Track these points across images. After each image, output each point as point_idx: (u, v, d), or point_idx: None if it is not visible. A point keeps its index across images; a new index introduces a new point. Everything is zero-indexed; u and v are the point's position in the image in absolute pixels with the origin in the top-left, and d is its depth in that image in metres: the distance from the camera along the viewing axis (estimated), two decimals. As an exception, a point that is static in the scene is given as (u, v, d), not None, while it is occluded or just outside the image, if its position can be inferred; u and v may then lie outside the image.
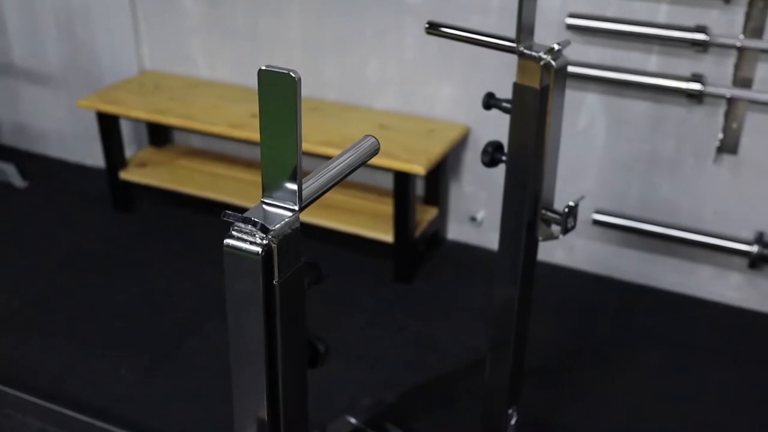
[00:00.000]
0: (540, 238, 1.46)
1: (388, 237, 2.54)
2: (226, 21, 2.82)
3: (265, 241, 0.80)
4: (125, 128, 2.99)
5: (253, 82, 2.86)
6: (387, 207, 2.63)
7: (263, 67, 0.80)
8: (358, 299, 2.52)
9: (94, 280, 2.62)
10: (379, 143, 0.97)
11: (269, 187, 0.85)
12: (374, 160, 2.38)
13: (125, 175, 2.91)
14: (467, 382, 2.15)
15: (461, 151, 2.66)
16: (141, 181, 2.89)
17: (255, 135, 2.57)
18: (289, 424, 0.93)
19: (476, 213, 2.71)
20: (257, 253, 0.80)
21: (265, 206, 0.85)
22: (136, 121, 2.99)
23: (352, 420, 1.98)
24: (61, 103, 3.22)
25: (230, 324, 0.87)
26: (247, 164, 2.96)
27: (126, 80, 2.96)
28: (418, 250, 2.66)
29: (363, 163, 0.94)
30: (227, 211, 0.81)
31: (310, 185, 0.87)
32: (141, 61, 3.03)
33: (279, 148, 0.83)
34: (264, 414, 0.91)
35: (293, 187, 0.84)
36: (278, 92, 0.80)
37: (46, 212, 3.01)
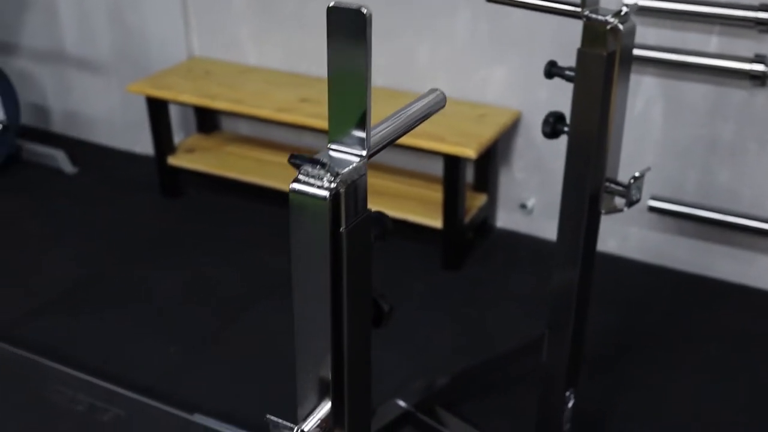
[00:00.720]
0: (603, 210, 1.41)
1: (437, 223, 2.50)
2: (274, 7, 2.81)
3: (332, 185, 0.77)
4: (174, 116, 2.99)
5: (302, 68, 2.85)
6: (436, 193, 2.59)
7: (332, 4, 0.77)
8: (407, 285, 2.48)
9: (142, 263, 2.62)
10: (445, 96, 0.93)
11: (336, 133, 0.82)
12: (424, 144, 2.38)
13: (173, 160, 2.91)
14: (519, 366, 2.09)
15: (512, 137, 2.61)
16: (189, 166, 2.89)
17: (303, 119, 2.56)
18: (353, 384, 0.90)
19: (527, 200, 2.66)
20: (324, 198, 0.77)
21: (331, 152, 0.82)
22: (184, 106, 3.00)
23: (402, 403, 1.94)
24: (111, 90, 3.24)
25: (294, 277, 0.85)
26: (295, 151, 2.93)
27: (175, 66, 2.97)
28: (467, 237, 2.61)
29: (430, 115, 0.91)
30: (294, 154, 0.78)
31: (378, 133, 0.84)
32: (190, 47, 3.03)
33: (347, 91, 0.80)
34: (327, 373, 0.88)
35: (361, 134, 0.81)
36: (347, 31, 0.77)
37: (95, 197, 3.02)
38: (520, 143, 2.61)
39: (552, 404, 1.60)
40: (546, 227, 2.64)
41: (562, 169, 1.41)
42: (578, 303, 1.50)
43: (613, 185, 1.39)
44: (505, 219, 2.75)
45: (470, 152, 2.33)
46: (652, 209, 2.39)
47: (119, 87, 3.18)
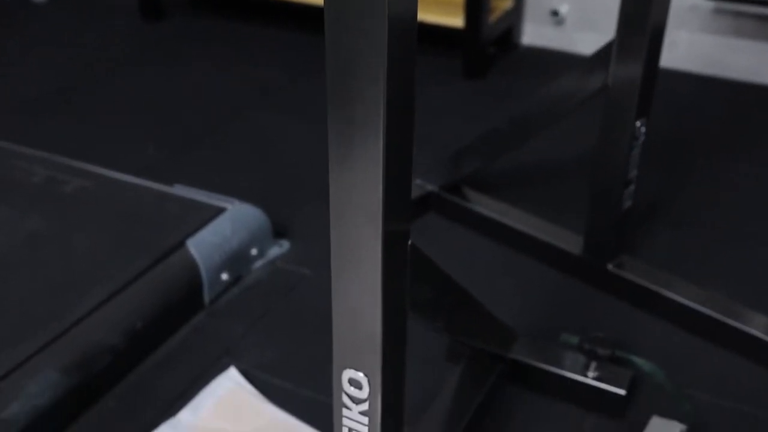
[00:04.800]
0: None
1: (457, 21, 2.17)
2: None
3: None
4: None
5: None
6: (455, -3, 2.26)
7: None
8: (425, 92, 2.14)
9: (122, 75, 2.30)
10: None
11: None
12: None
13: (154, -26, 2.56)
14: (552, 154, 1.81)
15: (544, -71, 2.27)
16: (172, -21, 2.55)
17: None
18: None
19: (558, 6, 2.32)
20: None
21: None
22: None
23: (425, 185, 1.63)
24: None
25: None
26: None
27: None
28: (489, 52, 2.28)
29: None
30: None
31: None
32: None
33: None
34: None
35: None
36: None
37: (69, 22, 2.68)
38: (552, -63, 2.27)
39: (619, 137, 1.28)
40: (579, 40, 2.31)
41: None
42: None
43: None
44: (532, 34, 2.41)
45: None
46: (710, -6, 2.06)
47: None
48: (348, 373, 0.80)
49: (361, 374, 0.79)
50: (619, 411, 1.16)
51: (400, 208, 0.71)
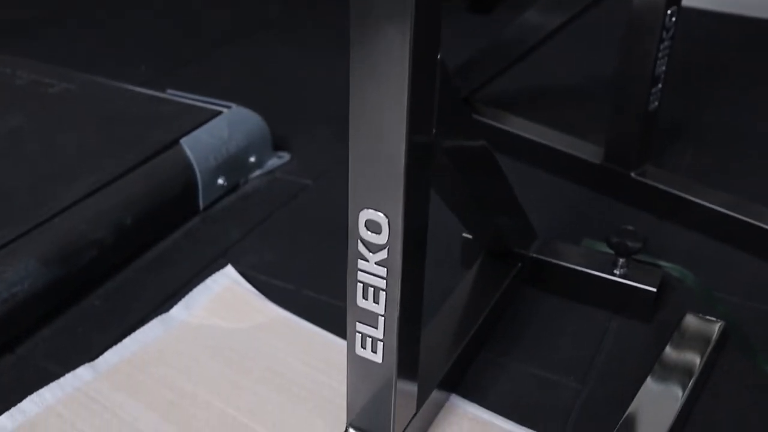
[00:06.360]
0: None
1: (465, -49, 2.09)
2: None
3: None
4: None
5: None
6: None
7: None
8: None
9: (112, 6, 2.20)
10: None
11: None
12: None
13: None
14: (567, 74, 1.73)
15: None
16: None
17: None
18: None
19: (570, -59, 2.24)
20: None
21: None
22: None
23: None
24: None
25: None
26: None
27: None
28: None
29: None
30: None
31: None
32: None
33: None
34: None
35: None
36: None
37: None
38: None
39: (648, 26, 1.20)
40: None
41: None
42: None
43: None
44: (541, -27, 2.32)
45: None
46: None
47: None
48: (365, 214, 0.70)
49: (380, 214, 0.70)
50: (648, 312, 1.08)
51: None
